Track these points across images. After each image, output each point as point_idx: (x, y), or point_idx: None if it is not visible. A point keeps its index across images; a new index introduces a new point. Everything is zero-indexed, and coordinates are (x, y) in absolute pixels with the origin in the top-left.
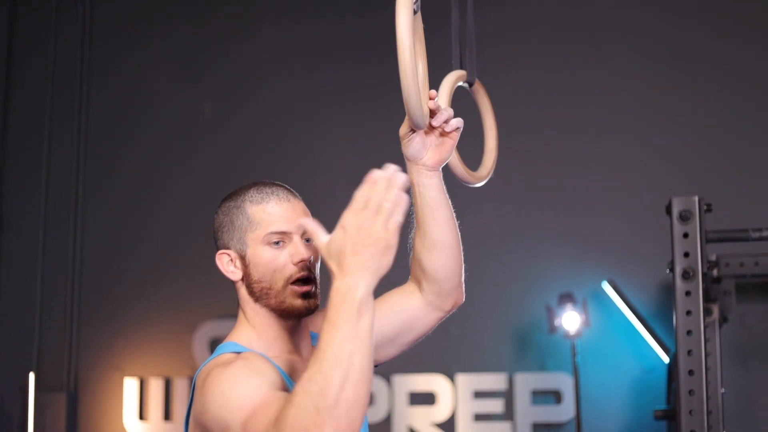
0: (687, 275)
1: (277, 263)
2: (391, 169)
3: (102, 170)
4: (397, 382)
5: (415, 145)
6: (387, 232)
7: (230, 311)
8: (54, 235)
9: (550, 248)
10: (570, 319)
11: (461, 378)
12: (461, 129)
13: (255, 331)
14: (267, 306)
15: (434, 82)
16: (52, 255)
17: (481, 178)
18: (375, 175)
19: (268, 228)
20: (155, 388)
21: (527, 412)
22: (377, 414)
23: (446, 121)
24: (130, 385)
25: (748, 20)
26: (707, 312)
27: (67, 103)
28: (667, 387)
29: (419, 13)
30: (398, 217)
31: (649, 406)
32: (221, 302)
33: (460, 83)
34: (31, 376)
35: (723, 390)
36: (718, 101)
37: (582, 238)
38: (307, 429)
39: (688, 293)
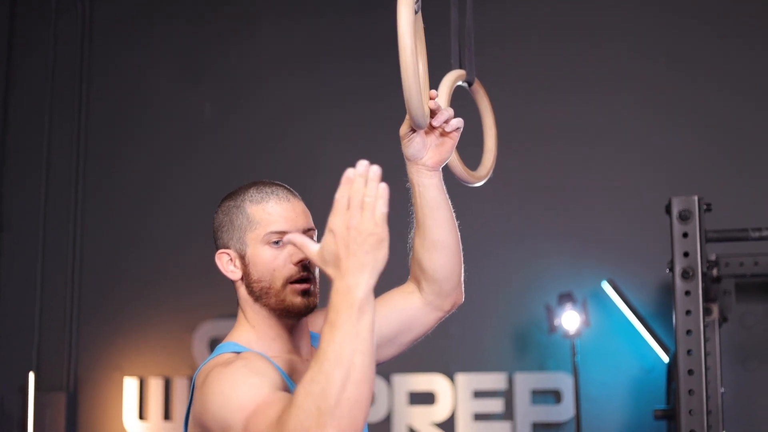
0: (687, 275)
1: (277, 263)
2: (364, 164)
3: (102, 170)
4: (396, 381)
5: (416, 145)
6: (376, 225)
7: (230, 311)
8: (54, 235)
9: (550, 248)
10: (570, 319)
11: (461, 378)
12: (461, 129)
13: (254, 330)
14: (266, 305)
15: (434, 82)
16: (52, 255)
17: (480, 177)
18: (349, 173)
19: (268, 227)
20: (155, 387)
21: (527, 412)
22: (377, 414)
23: (446, 121)
24: (129, 385)
25: (748, 20)
26: (707, 312)
27: (67, 103)
28: (666, 386)
29: (420, 13)
30: (383, 209)
31: (648, 405)
32: (221, 302)
33: (460, 83)
34: (31, 375)
35: (723, 389)
36: (718, 101)
37: (582, 237)
38: (309, 429)
39: (687, 293)
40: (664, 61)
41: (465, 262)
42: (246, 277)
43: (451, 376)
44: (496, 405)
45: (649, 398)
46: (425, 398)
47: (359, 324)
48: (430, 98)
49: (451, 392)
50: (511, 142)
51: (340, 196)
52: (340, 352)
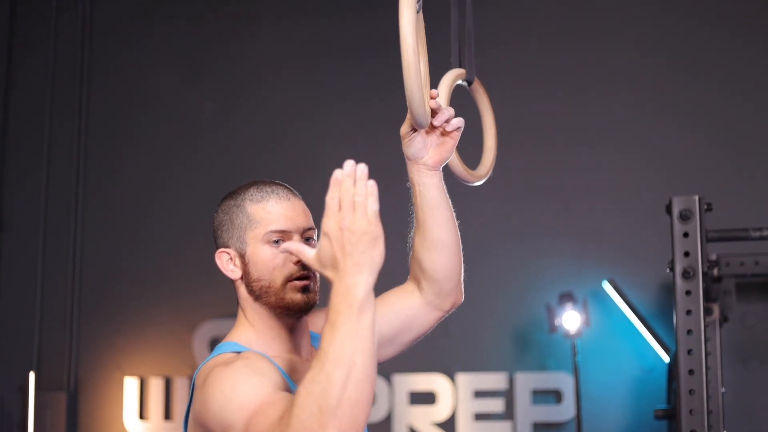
0: (687, 274)
1: (277, 262)
2: (350, 163)
3: (102, 170)
4: (397, 381)
5: (416, 144)
6: (369, 224)
7: (230, 311)
8: (54, 235)
9: (550, 248)
10: (570, 319)
11: (461, 377)
12: (462, 129)
13: (254, 330)
14: (267, 304)
15: (434, 82)
16: (52, 255)
17: (480, 176)
18: (337, 174)
19: (268, 227)
20: (155, 387)
21: (527, 412)
22: (377, 413)
23: (447, 121)
24: (130, 385)
25: (748, 20)
26: (707, 311)
27: (67, 103)
28: (667, 386)
29: (421, 13)
30: (374, 206)
31: (649, 405)
32: (221, 302)
33: (459, 82)
34: (32, 375)
35: (723, 389)
36: (718, 101)
37: (582, 237)
38: (311, 429)
39: (688, 292)
40: (664, 61)
41: (465, 262)
42: (246, 276)
43: (451, 376)
44: (496, 405)
45: (649, 398)
46: (426, 398)
47: (359, 323)
48: (431, 98)
49: (451, 392)
50: (511, 142)
51: (331, 198)
52: (341, 352)
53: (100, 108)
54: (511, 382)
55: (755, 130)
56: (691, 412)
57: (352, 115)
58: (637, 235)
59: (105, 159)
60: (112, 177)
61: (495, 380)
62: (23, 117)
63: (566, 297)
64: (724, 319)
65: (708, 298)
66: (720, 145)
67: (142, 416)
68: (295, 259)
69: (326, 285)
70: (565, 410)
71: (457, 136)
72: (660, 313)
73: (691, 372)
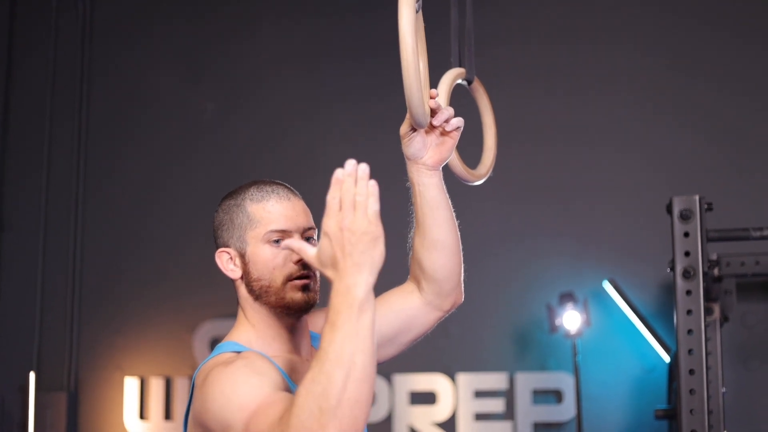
0: (688, 274)
1: (277, 261)
2: (352, 163)
3: (102, 170)
4: (397, 381)
5: (416, 144)
6: (369, 224)
7: (230, 311)
8: (54, 235)
9: (551, 248)
10: (571, 319)
11: (462, 377)
12: (462, 129)
13: (254, 330)
14: (267, 304)
15: (434, 81)
16: (52, 255)
17: (480, 176)
18: (338, 174)
19: (268, 226)
20: (156, 387)
21: (528, 412)
22: (378, 413)
23: (447, 121)
24: (130, 385)
25: (748, 20)
26: (708, 311)
27: (67, 103)
28: (668, 386)
29: (420, 13)
30: (375, 207)
31: (650, 405)
32: (221, 302)
33: (459, 81)
34: (32, 375)
35: (724, 389)
36: (718, 101)
37: (582, 237)
38: (311, 429)
39: (688, 292)
40: (665, 61)
41: (465, 262)
42: (246, 275)
43: (452, 376)
44: (497, 405)
45: (650, 398)
46: (426, 398)
47: (359, 323)
48: (431, 97)
49: (452, 392)
50: (511, 142)
51: (331, 197)
52: (341, 352)
53: (100, 108)
54: (511, 382)
55: (755, 130)
56: (691, 411)
57: (352, 115)
58: (638, 235)
59: (105, 159)
60: (112, 177)
61: (495, 380)
62: (23, 117)
63: (567, 297)
64: (724, 318)
65: (708, 297)
66: (720, 145)
67: (142, 416)
68: (295, 258)
69: (326, 285)
70: (566, 410)
71: (456, 135)
72: (660, 313)
73: (691, 372)
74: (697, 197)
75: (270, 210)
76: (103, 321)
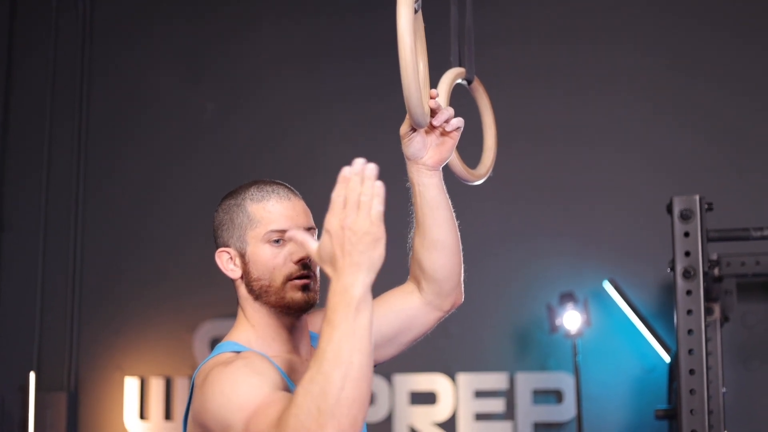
0: (688, 274)
1: (277, 261)
2: (360, 162)
3: (102, 170)
4: (397, 381)
5: (416, 144)
6: (372, 224)
7: (230, 311)
8: (54, 235)
9: (551, 248)
10: (571, 319)
11: (462, 377)
12: (462, 129)
13: (254, 330)
14: (267, 304)
15: (434, 81)
16: (52, 255)
17: (480, 176)
18: (346, 172)
19: (268, 226)
20: (156, 387)
21: (528, 412)
22: (378, 413)
23: (447, 121)
24: (130, 385)
25: (748, 20)
26: (708, 311)
27: (67, 103)
28: (668, 386)
29: (420, 12)
30: (379, 208)
31: (650, 405)
32: (221, 302)
33: (459, 81)
34: (32, 375)
35: (724, 389)
36: (718, 101)
37: (583, 237)
38: (310, 429)
39: (689, 292)
40: (665, 61)
41: (465, 262)
42: (246, 275)
43: (452, 376)
44: (497, 405)
45: (650, 398)
46: (426, 398)
47: (356, 323)
48: (431, 97)
49: (452, 392)
50: (511, 142)
51: (337, 195)
52: (339, 352)
53: (100, 108)
54: (511, 382)
55: (755, 130)
56: (691, 412)
57: (352, 115)
58: (638, 235)
59: (105, 159)
60: (112, 177)
61: (495, 380)
62: (23, 117)
63: (567, 297)
64: (725, 318)
65: (709, 297)
66: (720, 145)
67: (142, 416)
68: (295, 258)
69: (325, 285)
70: (566, 410)
71: (456, 135)
72: (661, 313)
73: (691, 372)
74: (697, 197)
75: (270, 210)
76: (103, 321)
